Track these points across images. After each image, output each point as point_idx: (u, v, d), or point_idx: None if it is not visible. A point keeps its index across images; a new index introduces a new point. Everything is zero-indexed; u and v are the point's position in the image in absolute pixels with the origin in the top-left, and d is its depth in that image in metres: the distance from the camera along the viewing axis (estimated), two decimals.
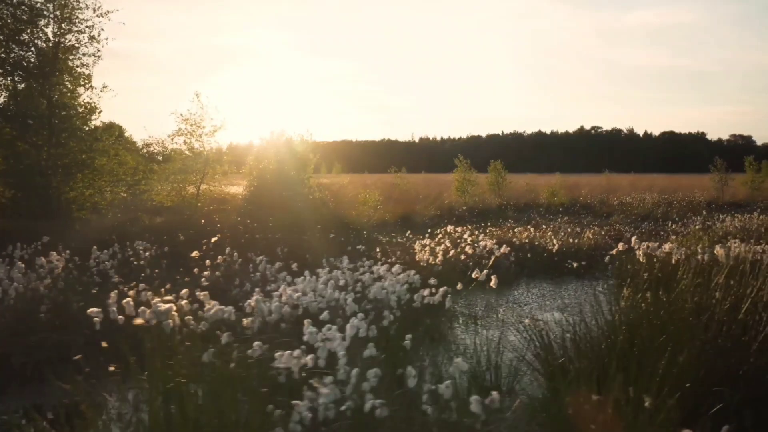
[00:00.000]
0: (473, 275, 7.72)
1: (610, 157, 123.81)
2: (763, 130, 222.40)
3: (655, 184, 34.68)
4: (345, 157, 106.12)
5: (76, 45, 15.09)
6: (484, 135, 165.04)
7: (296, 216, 16.51)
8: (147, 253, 10.42)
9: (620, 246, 9.89)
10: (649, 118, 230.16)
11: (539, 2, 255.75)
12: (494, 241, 10.95)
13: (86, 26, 15.06)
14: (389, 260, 9.27)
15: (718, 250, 9.25)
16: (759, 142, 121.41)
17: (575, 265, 10.19)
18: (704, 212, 18.65)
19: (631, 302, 5.67)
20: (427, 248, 10.23)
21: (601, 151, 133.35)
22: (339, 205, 19.70)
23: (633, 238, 9.83)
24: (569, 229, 15.09)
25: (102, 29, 15.20)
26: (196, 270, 8.88)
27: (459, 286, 7.64)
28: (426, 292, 6.97)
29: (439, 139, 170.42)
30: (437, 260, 9.03)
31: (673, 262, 9.40)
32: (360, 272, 7.58)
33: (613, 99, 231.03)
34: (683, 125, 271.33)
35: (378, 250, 10.36)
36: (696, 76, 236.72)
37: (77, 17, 14.99)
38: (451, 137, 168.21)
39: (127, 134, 24.78)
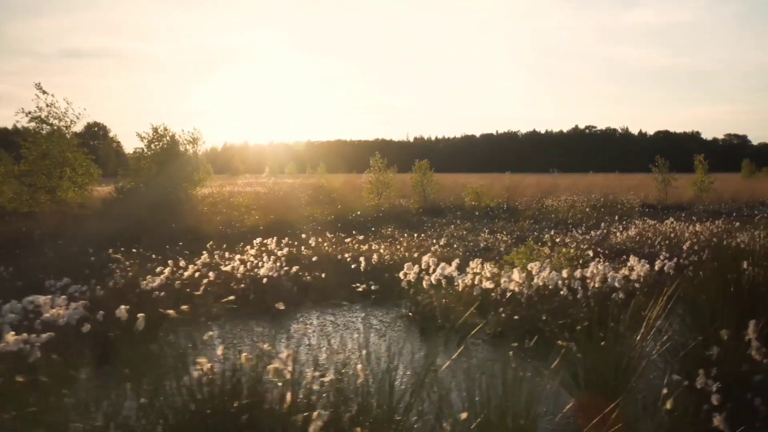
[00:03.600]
0: None
1: (604, 156, 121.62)
2: (760, 130, 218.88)
3: (608, 183, 32.54)
4: (341, 157, 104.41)
5: None
6: (478, 135, 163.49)
7: (149, 224, 14.74)
8: None
9: (415, 268, 7.91)
10: (648, 118, 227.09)
11: (539, 2, 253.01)
12: (272, 258, 9.08)
13: None
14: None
15: (514, 276, 7.31)
16: (755, 142, 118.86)
17: (361, 288, 8.30)
18: (616, 216, 16.62)
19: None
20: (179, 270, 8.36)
21: (595, 150, 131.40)
22: (217, 211, 17.90)
23: (428, 258, 7.91)
24: (434, 240, 13.21)
25: None
26: None
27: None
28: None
29: (433, 138, 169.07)
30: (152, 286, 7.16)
31: (460, 290, 7.52)
32: None
33: (611, 98, 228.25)
34: (682, 124, 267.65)
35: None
36: (695, 76, 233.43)
37: None
38: (446, 137, 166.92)
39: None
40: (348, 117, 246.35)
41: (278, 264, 8.80)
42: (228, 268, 8.49)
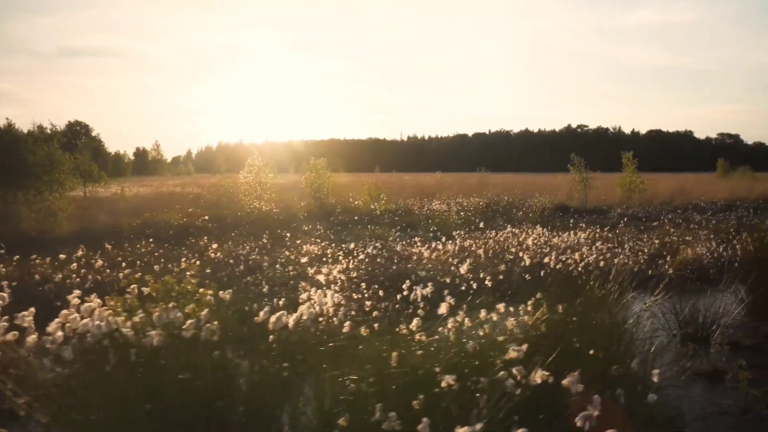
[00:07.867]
0: None
1: (597, 156, 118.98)
2: (757, 129, 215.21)
3: (555, 183, 30.23)
4: (338, 156, 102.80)
5: None
6: (470, 134, 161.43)
7: None
8: None
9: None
10: (643, 117, 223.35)
11: (537, 1, 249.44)
12: None
13: None
14: None
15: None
16: (750, 141, 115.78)
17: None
18: (482, 224, 14.45)
19: None
20: None
21: (587, 150, 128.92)
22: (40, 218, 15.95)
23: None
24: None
25: None
26: None
27: None
28: None
29: (426, 137, 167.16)
30: None
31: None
32: None
33: (607, 98, 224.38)
34: (678, 124, 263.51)
35: None
36: (694, 76, 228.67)
37: None
38: (439, 136, 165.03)
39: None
40: (346, 116, 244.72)
41: None
42: None
